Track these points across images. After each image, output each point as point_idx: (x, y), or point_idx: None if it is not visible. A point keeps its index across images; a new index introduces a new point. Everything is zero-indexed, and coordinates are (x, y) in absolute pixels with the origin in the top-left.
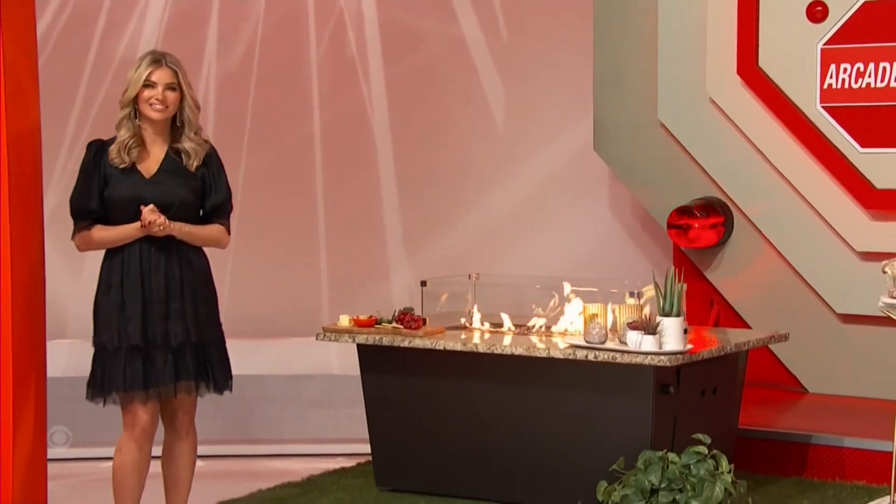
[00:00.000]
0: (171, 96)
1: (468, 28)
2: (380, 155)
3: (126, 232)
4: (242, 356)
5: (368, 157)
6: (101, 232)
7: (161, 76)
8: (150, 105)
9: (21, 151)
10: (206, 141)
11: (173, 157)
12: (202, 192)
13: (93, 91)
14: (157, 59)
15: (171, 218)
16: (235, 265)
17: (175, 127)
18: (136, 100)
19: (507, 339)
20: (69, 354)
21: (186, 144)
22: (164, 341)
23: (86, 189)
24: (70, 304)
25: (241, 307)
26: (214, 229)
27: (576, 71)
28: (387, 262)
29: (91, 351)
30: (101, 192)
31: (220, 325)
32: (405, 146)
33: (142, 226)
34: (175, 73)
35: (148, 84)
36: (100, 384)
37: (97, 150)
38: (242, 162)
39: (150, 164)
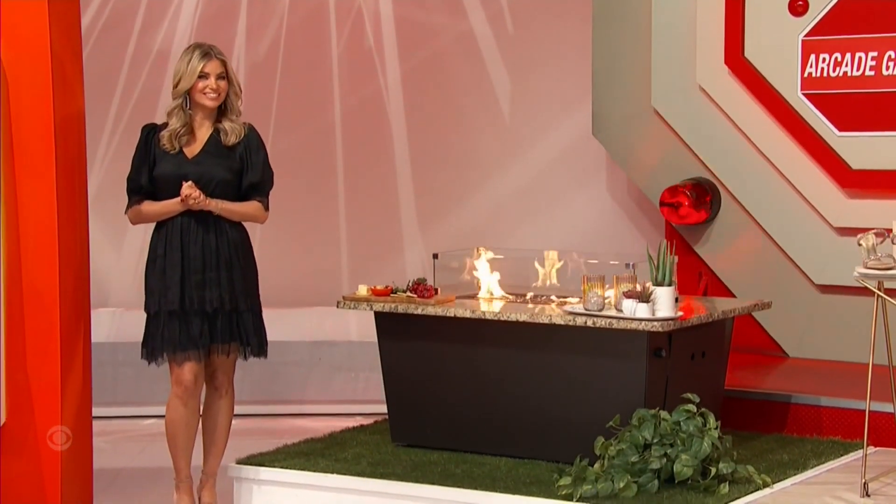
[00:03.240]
0: (222, 85)
1: (476, 23)
2: (395, 140)
3: (168, 206)
4: (268, 323)
5: (385, 141)
6: (148, 206)
7: (213, 67)
8: (205, 94)
9: (67, 135)
10: (246, 124)
11: (216, 137)
12: (241, 171)
13: (132, 82)
14: (207, 51)
15: (210, 195)
16: (263, 240)
17: (220, 110)
18: (188, 90)
19: (512, 307)
20: (111, 322)
21: (226, 124)
22: (200, 307)
23: (137, 168)
24: (112, 275)
25: (267, 278)
26: (250, 206)
27: (576, 62)
28: (401, 237)
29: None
30: (151, 171)
31: (257, 294)
32: (418, 132)
33: (181, 200)
34: (223, 63)
35: (202, 75)
36: (148, 346)
37: (148, 132)
38: (269, 146)
39: (195, 146)
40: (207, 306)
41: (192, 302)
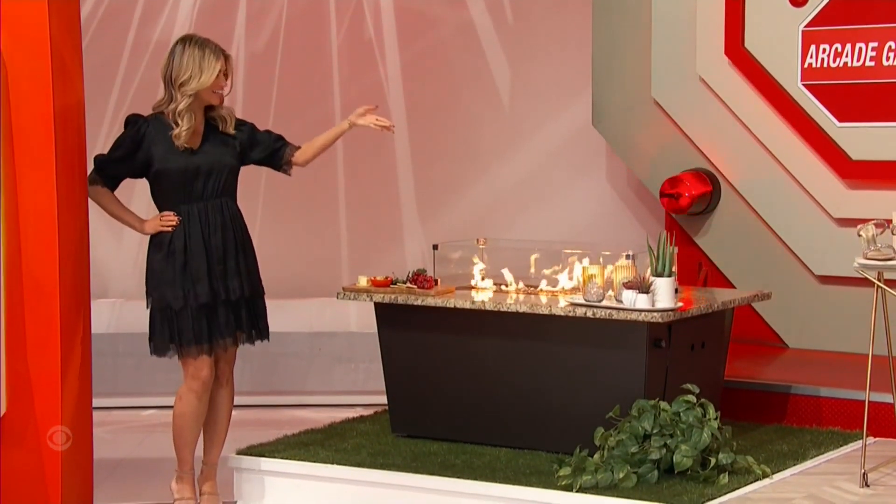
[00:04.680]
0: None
1: (476, 13)
2: (395, 130)
3: (132, 224)
4: (268, 314)
5: (385, 132)
6: (113, 204)
7: (227, 66)
8: (216, 93)
9: (67, 125)
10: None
11: (212, 127)
12: (241, 153)
13: (131, 72)
14: (219, 51)
15: (224, 183)
16: (262, 231)
17: None
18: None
19: (512, 298)
20: (111, 313)
21: (221, 112)
22: (226, 297)
23: (114, 155)
24: (112, 266)
25: (267, 269)
26: (320, 139)
27: (576, 53)
28: (401, 227)
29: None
30: (128, 164)
31: (261, 278)
32: (418, 122)
33: (155, 229)
34: (228, 59)
35: (219, 75)
36: (168, 340)
37: (140, 126)
38: None
39: (196, 138)
40: (232, 295)
41: (218, 293)
